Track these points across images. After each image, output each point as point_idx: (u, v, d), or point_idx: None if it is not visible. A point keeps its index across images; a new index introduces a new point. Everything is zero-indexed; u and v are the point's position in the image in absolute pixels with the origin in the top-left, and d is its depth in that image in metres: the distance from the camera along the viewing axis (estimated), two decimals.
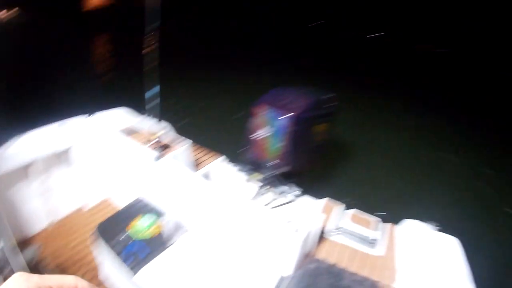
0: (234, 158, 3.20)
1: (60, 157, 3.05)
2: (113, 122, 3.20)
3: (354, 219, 2.68)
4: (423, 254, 2.24)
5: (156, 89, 2.68)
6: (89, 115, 3.24)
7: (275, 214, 2.14)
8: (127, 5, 16.52)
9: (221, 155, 3.30)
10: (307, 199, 2.82)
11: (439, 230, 2.43)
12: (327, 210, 2.69)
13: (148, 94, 2.73)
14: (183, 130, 3.43)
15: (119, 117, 3.31)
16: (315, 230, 2.20)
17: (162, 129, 2.83)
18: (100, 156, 3.10)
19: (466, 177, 5.09)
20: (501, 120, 7.23)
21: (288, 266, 2.06)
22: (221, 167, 3.21)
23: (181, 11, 18.44)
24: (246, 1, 19.85)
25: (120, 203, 2.88)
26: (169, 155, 2.75)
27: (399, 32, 15.19)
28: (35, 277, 0.44)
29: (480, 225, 3.93)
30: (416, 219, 2.63)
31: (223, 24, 17.13)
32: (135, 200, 2.62)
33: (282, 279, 2.02)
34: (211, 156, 3.30)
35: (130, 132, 3.09)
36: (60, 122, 3.08)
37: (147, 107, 2.86)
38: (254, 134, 2.82)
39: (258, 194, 2.75)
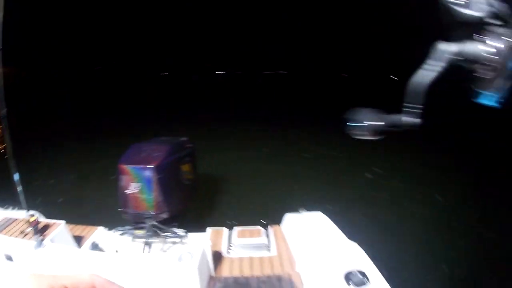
0: (113, 224, 3.18)
1: None
2: None
3: (240, 234, 3.03)
4: (306, 234, 2.68)
5: (16, 177, 2.55)
6: None
7: (166, 257, 2.29)
8: None
9: (99, 226, 3.24)
10: (193, 235, 3.02)
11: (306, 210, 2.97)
12: (214, 236, 2.96)
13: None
14: (57, 212, 3.27)
15: None
16: (205, 254, 2.42)
17: (32, 217, 2.67)
18: None
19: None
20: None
21: None
22: (102, 237, 3.15)
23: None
24: None
25: None
26: (47, 240, 2.61)
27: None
28: (48, 277, 0.41)
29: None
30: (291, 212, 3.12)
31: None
32: None
33: None
34: (89, 230, 3.21)
35: (2, 227, 2.84)
36: None
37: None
38: (126, 192, 2.92)
39: (147, 246, 2.82)
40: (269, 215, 3.31)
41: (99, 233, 3.17)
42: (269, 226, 3.12)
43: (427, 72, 1.05)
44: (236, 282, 2.39)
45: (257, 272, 2.53)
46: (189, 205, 3.34)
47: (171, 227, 2.95)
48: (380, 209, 4.92)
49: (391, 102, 1.31)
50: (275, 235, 3.02)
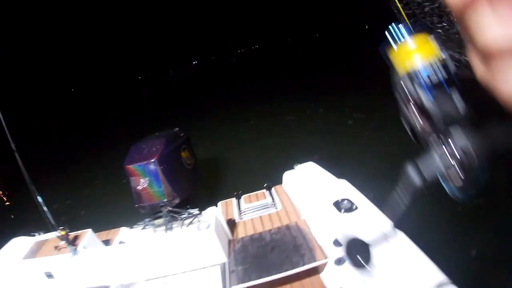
0: (133, 221, 3.45)
1: None
2: (13, 253, 3.15)
3: (247, 200, 3.35)
4: (303, 184, 2.98)
5: (39, 199, 2.79)
6: None
7: (186, 230, 2.59)
8: None
9: (121, 227, 3.52)
10: (206, 211, 3.32)
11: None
12: (225, 207, 3.27)
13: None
14: (80, 225, 3.53)
15: (18, 247, 3.26)
16: (220, 221, 2.72)
17: (63, 230, 2.92)
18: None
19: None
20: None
21: (220, 254, 2.51)
22: (126, 235, 3.44)
23: None
24: None
25: None
26: (80, 247, 2.89)
27: None
28: None
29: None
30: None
31: None
32: None
33: (223, 264, 2.46)
34: (114, 233, 3.49)
35: (35, 252, 3.11)
36: None
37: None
38: (138, 189, 3.19)
39: (168, 229, 3.11)
40: (270, 179, 3.60)
41: (123, 233, 3.46)
42: (272, 188, 3.43)
43: None
44: (252, 239, 2.70)
45: (268, 227, 2.84)
46: (196, 187, 3.62)
47: (186, 209, 3.24)
48: (361, 148, 5.33)
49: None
50: (278, 193, 3.33)
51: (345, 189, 2.54)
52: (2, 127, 2.80)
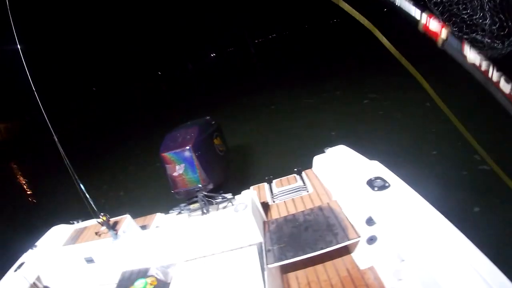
0: (168, 207, 3.63)
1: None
2: (54, 240, 3.37)
3: (278, 184, 3.46)
4: (334, 166, 3.05)
5: (82, 187, 2.99)
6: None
7: (224, 211, 2.73)
8: None
9: (156, 213, 3.71)
10: (240, 195, 3.46)
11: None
12: (257, 191, 3.40)
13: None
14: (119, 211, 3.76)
15: (58, 234, 3.48)
16: (255, 203, 2.84)
17: (104, 216, 3.11)
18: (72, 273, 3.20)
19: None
20: None
21: (256, 235, 2.63)
22: (162, 221, 3.63)
23: None
24: None
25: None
26: (120, 231, 3.09)
27: None
28: None
29: None
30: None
31: None
32: (121, 275, 2.89)
33: (260, 244, 2.59)
34: (150, 219, 3.69)
35: (75, 238, 3.33)
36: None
37: None
38: (174, 175, 3.35)
39: (204, 213, 3.27)
40: (300, 163, 3.70)
41: (159, 219, 3.65)
42: (302, 172, 3.52)
43: None
44: (286, 220, 2.82)
45: (300, 209, 2.95)
46: (228, 173, 3.76)
47: (220, 194, 3.38)
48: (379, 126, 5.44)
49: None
50: (309, 177, 3.43)
51: (377, 169, 2.60)
52: (44, 120, 3.01)
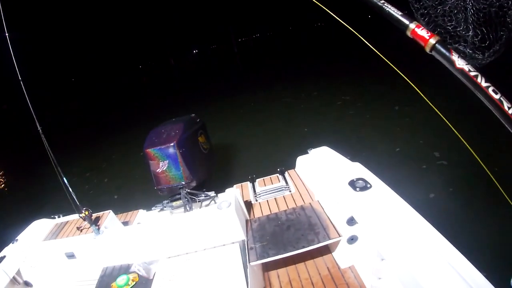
0: (151, 205, 3.60)
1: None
2: (34, 235, 3.29)
3: (261, 183, 3.50)
4: (317, 167, 3.11)
5: (64, 181, 2.92)
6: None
7: (207, 209, 2.73)
8: None
9: (139, 210, 3.68)
10: (223, 194, 3.47)
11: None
12: (240, 189, 3.42)
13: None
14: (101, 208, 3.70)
15: (39, 229, 3.40)
16: (238, 201, 2.86)
17: (86, 211, 3.04)
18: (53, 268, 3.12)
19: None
20: None
21: (239, 232, 2.65)
22: (144, 217, 3.60)
23: None
24: None
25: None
26: (103, 226, 3.04)
27: None
28: None
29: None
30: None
31: None
32: (102, 271, 2.86)
33: (242, 242, 2.62)
34: (132, 215, 3.65)
35: (56, 233, 3.26)
36: None
37: None
38: (157, 172, 3.33)
39: (187, 211, 3.26)
40: (283, 163, 3.76)
41: (141, 215, 3.62)
42: (285, 172, 3.57)
43: None
44: (268, 218, 2.85)
45: (283, 208, 3.00)
46: (212, 171, 3.77)
47: (203, 191, 3.39)
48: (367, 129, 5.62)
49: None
50: (292, 177, 3.48)
51: (359, 170, 2.67)
52: (24, 109, 2.92)
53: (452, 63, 0.98)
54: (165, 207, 3.43)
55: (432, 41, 1.02)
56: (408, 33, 1.07)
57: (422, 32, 1.04)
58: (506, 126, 0.94)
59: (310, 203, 2.92)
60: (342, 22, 1.33)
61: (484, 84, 0.93)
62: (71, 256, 3.03)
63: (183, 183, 3.29)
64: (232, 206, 2.62)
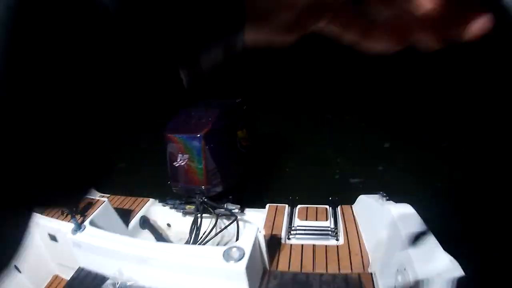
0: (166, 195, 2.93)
1: None
2: None
3: (303, 214, 2.57)
4: (386, 228, 2.11)
5: None
6: None
7: (211, 253, 1.94)
8: None
9: (150, 198, 3.04)
10: (249, 212, 2.65)
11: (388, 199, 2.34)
12: (273, 215, 2.55)
13: None
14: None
15: None
16: (258, 248, 2.02)
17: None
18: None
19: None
20: None
21: None
22: (153, 210, 2.95)
23: None
24: None
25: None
26: (87, 222, 2.44)
27: None
28: None
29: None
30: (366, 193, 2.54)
31: None
32: (76, 272, 2.39)
33: None
34: (140, 202, 3.03)
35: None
36: None
37: None
38: (174, 165, 2.61)
39: (196, 224, 2.53)
40: (340, 190, 2.77)
41: (150, 206, 2.97)
42: (339, 206, 2.59)
43: None
44: (295, 280, 1.98)
45: (320, 268, 2.08)
46: (246, 176, 2.93)
47: (225, 203, 2.60)
48: None
49: None
50: (345, 217, 2.49)
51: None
52: None
53: None
54: (177, 207, 2.74)
55: None
56: None
57: None
58: None
59: (359, 275, 1.97)
60: None
61: None
62: (53, 238, 2.54)
63: (203, 187, 2.53)
64: (244, 260, 1.78)
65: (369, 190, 2.52)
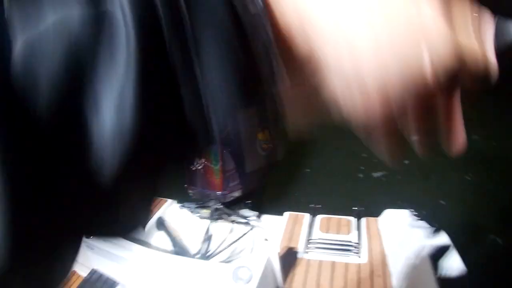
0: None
1: None
2: None
3: (324, 225, 2.40)
4: (415, 255, 1.91)
5: None
6: None
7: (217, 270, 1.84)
8: None
9: (168, 199, 2.98)
10: (266, 220, 2.51)
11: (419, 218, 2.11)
12: (292, 224, 2.40)
13: None
14: None
15: None
16: (269, 268, 1.88)
17: None
18: None
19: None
20: None
21: None
22: (170, 211, 2.90)
23: None
24: None
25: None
26: None
27: None
28: None
29: None
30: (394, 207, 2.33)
31: None
32: (89, 274, 2.37)
33: None
34: (158, 202, 2.98)
35: None
36: None
37: None
38: (190, 166, 2.52)
39: (208, 232, 2.44)
40: (366, 199, 2.56)
41: (168, 207, 2.92)
42: (363, 218, 2.39)
43: None
44: None
45: None
46: (266, 180, 2.79)
47: (241, 209, 2.49)
48: None
49: None
50: (369, 231, 2.28)
51: None
52: None
53: None
54: (193, 211, 2.67)
55: None
56: None
57: None
58: None
59: None
60: None
61: None
62: None
63: (218, 193, 2.43)
64: (254, 283, 1.65)
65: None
